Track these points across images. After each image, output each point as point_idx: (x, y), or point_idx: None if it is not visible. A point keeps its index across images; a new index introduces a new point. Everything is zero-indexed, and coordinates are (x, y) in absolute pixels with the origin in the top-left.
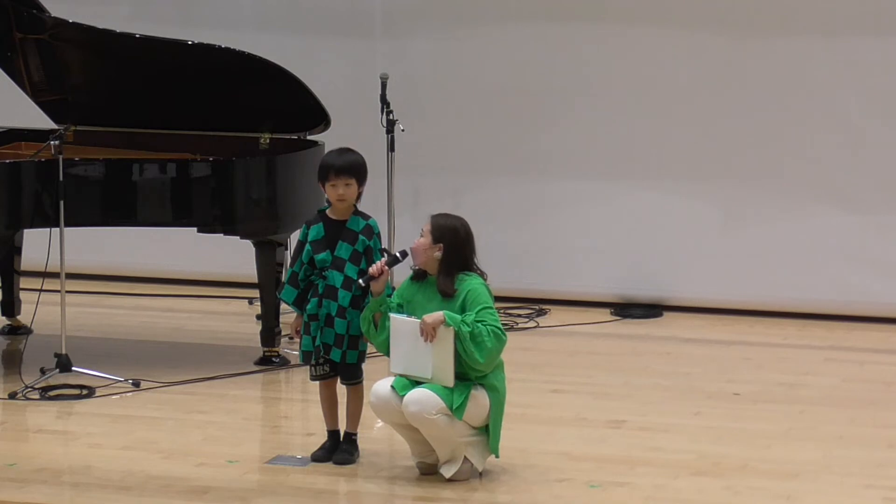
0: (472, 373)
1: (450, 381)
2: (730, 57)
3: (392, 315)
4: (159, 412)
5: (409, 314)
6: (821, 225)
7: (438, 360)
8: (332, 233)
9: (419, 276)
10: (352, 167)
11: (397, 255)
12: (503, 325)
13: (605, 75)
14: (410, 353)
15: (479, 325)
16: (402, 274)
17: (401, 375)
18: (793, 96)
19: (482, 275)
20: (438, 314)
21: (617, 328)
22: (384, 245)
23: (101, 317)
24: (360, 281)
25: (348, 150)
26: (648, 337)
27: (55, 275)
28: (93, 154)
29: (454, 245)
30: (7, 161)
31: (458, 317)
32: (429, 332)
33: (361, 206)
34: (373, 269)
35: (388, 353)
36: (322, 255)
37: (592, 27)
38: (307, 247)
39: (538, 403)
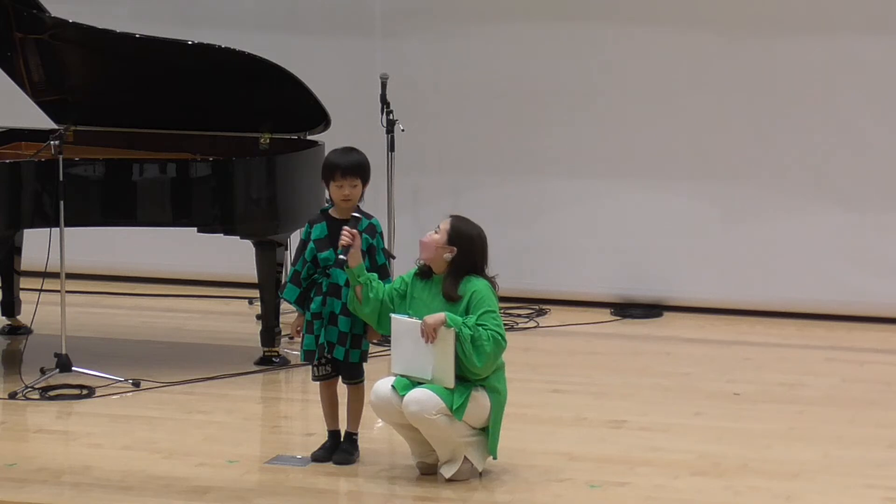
0: (470, 375)
1: (450, 382)
2: (730, 57)
3: (393, 315)
4: (159, 412)
5: (412, 313)
6: (821, 225)
7: (439, 362)
8: (336, 231)
9: (425, 273)
10: (358, 168)
11: (354, 215)
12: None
13: (605, 75)
14: (411, 354)
15: (481, 328)
16: (403, 268)
17: (401, 376)
18: (793, 96)
19: (491, 280)
20: (440, 315)
21: (617, 328)
22: (385, 244)
23: (101, 317)
24: (340, 255)
25: (353, 150)
26: (648, 337)
27: (55, 275)
28: (93, 154)
29: (467, 253)
30: (7, 161)
31: (460, 319)
32: (429, 333)
33: (361, 206)
34: (344, 238)
35: (376, 325)
36: (325, 254)
37: (592, 27)
38: (310, 245)
39: (538, 403)
